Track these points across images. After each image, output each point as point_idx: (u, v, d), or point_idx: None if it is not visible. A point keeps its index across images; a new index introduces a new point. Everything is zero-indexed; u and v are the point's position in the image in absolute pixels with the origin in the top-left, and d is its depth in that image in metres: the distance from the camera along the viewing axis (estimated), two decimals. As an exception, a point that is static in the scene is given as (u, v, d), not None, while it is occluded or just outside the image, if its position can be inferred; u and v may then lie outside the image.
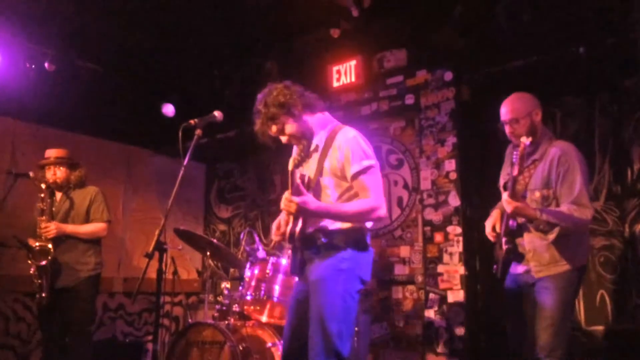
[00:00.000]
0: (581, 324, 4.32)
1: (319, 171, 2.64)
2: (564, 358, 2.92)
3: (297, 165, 2.61)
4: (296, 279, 2.79)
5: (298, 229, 2.57)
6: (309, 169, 2.71)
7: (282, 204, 2.53)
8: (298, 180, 2.51)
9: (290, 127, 2.69)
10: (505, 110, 3.16)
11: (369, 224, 2.66)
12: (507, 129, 3.16)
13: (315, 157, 2.69)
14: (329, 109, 2.92)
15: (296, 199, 2.46)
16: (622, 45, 4.02)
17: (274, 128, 2.69)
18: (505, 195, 2.96)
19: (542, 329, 2.96)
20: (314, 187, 2.63)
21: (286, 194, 2.52)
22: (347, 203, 2.60)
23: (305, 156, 2.65)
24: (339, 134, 2.65)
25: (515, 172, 2.84)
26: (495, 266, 3.24)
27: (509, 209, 2.93)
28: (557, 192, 2.98)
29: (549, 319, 2.94)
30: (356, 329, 3.85)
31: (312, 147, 2.71)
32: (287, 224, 2.64)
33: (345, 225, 2.59)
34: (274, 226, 2.78)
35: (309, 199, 2.49)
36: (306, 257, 2.65)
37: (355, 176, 2.56)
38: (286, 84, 2.73)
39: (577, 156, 3.00)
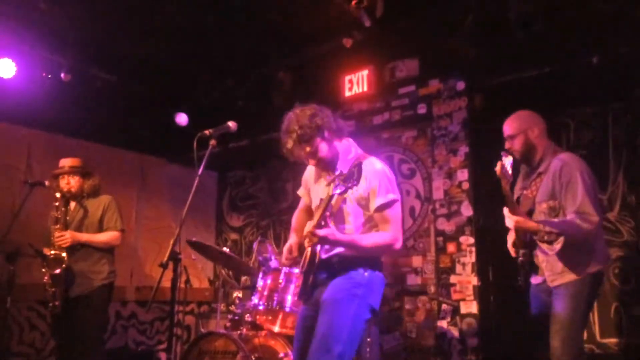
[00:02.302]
0: (596, 336, 4.28)
1: (342, 198, 2.65)
2: None
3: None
4: (302, 306, 2.81)
5: (318, 251, 2.60)
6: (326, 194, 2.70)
7: (304, 235, 2.54)
8: (327, 213, 2.53)
9: (323, 150, 2.69)
10: (504, 128, 3.34)
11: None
12: (505, 145, 3.30)
13: None
14: (341, 118, 2.93)
15: (319, 233, 2.48)
16: (636, 55, 4.01)
17: (307, 149, 2.68)
18: (505, 212, 3.02)
19: (552, 335, 2.99)
20: (336, 213, 2.66)
21: (309, 226, 2.52)
22: (366, 235, 2.64)
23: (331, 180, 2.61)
24: (365, 163, 2.62)
25: (507, 188, 2.92)
26: (519, 278, 3.25)
27: (510, 224, 3.03)
28: (562, 202, 3.03)
29: (558, 324, 2.97)
30: (368, 339, 3.83)
31: (337, 173, 2.64)
32: (297, 248, 2.70)
33: (365, 255, 2.65)
34: (285, 250, 2.79)
35: (330, 232, 2.51)
36: (318, 281, 2.65)
37: (380, 209, 2.60)
38: (321, 107, 2.74)
39: (578, 166, 3.05)
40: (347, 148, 2.79)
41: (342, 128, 2.77)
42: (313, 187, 2.90)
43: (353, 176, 2.41)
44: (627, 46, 4.03)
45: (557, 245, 2.96)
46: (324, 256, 2.63)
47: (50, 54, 5.12)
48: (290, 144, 2.69)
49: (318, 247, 2.60)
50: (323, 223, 2.52)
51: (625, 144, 4.42)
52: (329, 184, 2.69)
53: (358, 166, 2.44)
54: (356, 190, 2.59)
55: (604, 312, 4.27)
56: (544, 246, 3.06)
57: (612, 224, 4.31)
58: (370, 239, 2.62)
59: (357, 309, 2.55)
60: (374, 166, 2.66)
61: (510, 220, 3.01)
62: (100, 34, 4.95)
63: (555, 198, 3.05)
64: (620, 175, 4.41)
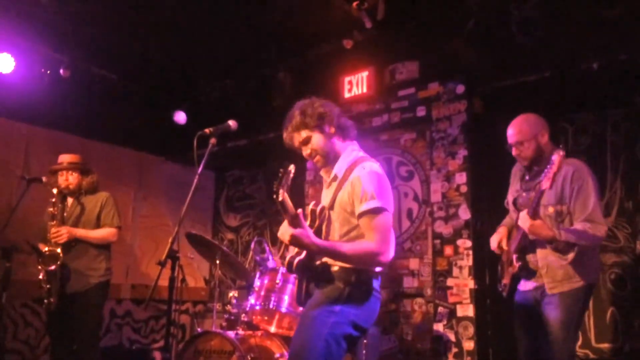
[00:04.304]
0: (591, 341, 4.29)
1: (332, 203, 2.53)
2: None
3: (280, 189, 2.32)
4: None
5: (297, 260, 2.45)
6: (325, 199, 2.62)
7: (279, 232, 2.42)
8: (299, 211, 2.36)
9: (317, 141, 2.57)
10: (511, 133, 3.20)
11: (378, 268, 2.49)
12: (513, 151, 3.21)
13: (333, 187, 2.57)
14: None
15: (290, 231, 2.32)
16: (635, 62, 4.02)
17: (303, 134, 2.58)
18: (524, 213, 2.96)
19: (548, 345, 3.01)
20: (326, 219, 2.53)
21: (285, 223, 2.39)
22: (346, 243, 2.45)
23: (286, 183, 2.34)
24: (358, 167, 2.49)
25: (547, 185, 2.81)
26: (502, 283, 3.27)
27: (525, 226, 2.95)
28: (571, 208, 3.01)
29: (554, 335, 2.98)
30: (365, 341, 3.83)
31: (332, 175, 2.60)
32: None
33: (348, 265, 2.44)
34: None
35: (304, 233, 2.32)
36: (310, 289, 2.55)
37: (362, 215, 2.40)
38: (327, 102, 2.64)
39: (589, 173, 3.04)
40: (349, 151, 2.63)
41: (347, 129, 2.64)
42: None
43: (281, 180, 2.27)
44: (627, 53, 4.04)
45: (571, 255, 2.95)
46: (314, 263, 2.50)
47: (50, 50, 5.11)
48: (288, 129, 2.61)
49: (300, 257, 2.43)
50: (295, 224, 2.34)
51: (623, 150, 4.43)
52: (327, 187, 2.66)
53: (286, 174, 2.27)
54: (342, 194, 2.48)
55: (600, 318, 4.28)
56: (553, 253, 3.02)
57: (609, 230, 4.30)
58: (351, 247, 2.40)
59: (333, 327, 2.34)
60: (363, 169, 2.47)
61: (526, 222, 2.93)
62: (100, 31, 4.95)
63: (564, 203, 3.02)
64: (617, 181, 4.42)
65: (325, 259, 2.49)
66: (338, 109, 2.67)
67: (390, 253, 2.41)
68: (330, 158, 2.61)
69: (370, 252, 2.38)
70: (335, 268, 2.46)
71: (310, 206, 2.59)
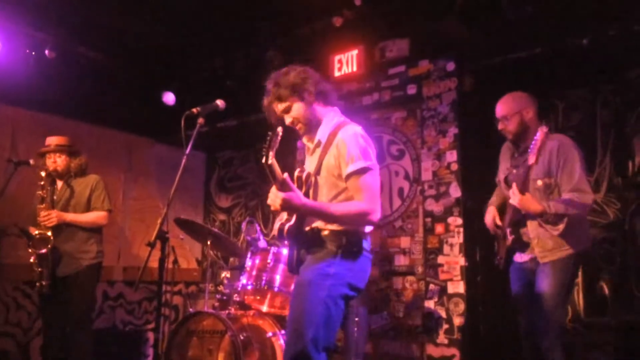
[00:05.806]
0: (581, 315, 4.34)
1: (318, 168, 2.55)
2: (558, 339, 3.06)
3: (270, 151, 2.34)
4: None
5: (288, 225, 2.48)
6: (310, 165, 2.64)
7: (268, 199, 2.42)
8: (285, 175, 2.38)
9: (297, 110, 2.58)
10: (497, 108, 3.37)
11: (367, 228, 2.54)
12: (499, 125, 3.36)
13: (317, 152, 2.58)
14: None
15: (281, 195, 2.34)
16: (625, 37, 4.02)
17: (280, 106, 2.60)
18: (514, 188, 3.08)
19: (537, 312, 3.11)
20: (313, 184, 2.55)
21: (273, 189, 2.40)
22: (336, 204, 2.48)
23: (274, 145, 2.35)
24: (341, 130, 2.51)
25: (533, 159, 2.96)
26: (498, 257, 3.33)
27: (515, 200, 3.07)
28: (558, 180, 3.13)
29: (542, 302, 3.08)
30: (356, 319, 3.86)
31: (315, 141, 2.61)
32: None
33: (339, 227, 2.47)
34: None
35: (294, 195, 2.36)
36: (302, 255, 2.57)
37: (349, 176, 2.44)
38: (305, 69, 2.63)
39: (574, 146, 3.18)
40: (330, 116, 2.63)
41: (326, 93, 2.64)
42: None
43: (270, 143, 2.29)
44: (616, 28, 4.03)
45: (561, 226, 3.06)
46: (305, 228, 2.53)
47: (34, 30, 5.02)
48: (266, 101, 2.67)
49: (293, 218, 2.47)
50: (284, 188, 2.36)
51: (613, 126, 4.44)
52: (311, 154, 2.66)
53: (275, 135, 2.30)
54: (327, 158, 2.50)
55: (590, 292, 4.32)
56: (546, 226, 3.11)
57: (599, 206, 4.34)
58: (341, 207, 2.44)
59: (330, 289, 2.38)
60: (347, 132, 2.49)
61: (515, 197, 3.06)
62: (86, 10, 4.86)
63: (551, 176, 3.14)
64: (607, 157, 4.43)
65: (315, 224, 2.52)
66: (318, 74, 2.66)
67: (379, 212, 2.45)
68: (312, 125, 2.62)
69: (360, 211, 2.42)
70: (325, 232, 2.50)
71: (296, 173, 2.59)
